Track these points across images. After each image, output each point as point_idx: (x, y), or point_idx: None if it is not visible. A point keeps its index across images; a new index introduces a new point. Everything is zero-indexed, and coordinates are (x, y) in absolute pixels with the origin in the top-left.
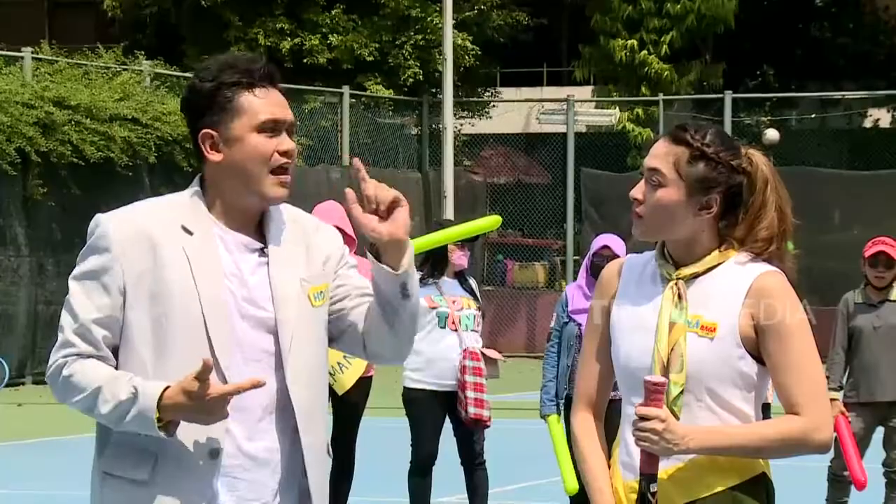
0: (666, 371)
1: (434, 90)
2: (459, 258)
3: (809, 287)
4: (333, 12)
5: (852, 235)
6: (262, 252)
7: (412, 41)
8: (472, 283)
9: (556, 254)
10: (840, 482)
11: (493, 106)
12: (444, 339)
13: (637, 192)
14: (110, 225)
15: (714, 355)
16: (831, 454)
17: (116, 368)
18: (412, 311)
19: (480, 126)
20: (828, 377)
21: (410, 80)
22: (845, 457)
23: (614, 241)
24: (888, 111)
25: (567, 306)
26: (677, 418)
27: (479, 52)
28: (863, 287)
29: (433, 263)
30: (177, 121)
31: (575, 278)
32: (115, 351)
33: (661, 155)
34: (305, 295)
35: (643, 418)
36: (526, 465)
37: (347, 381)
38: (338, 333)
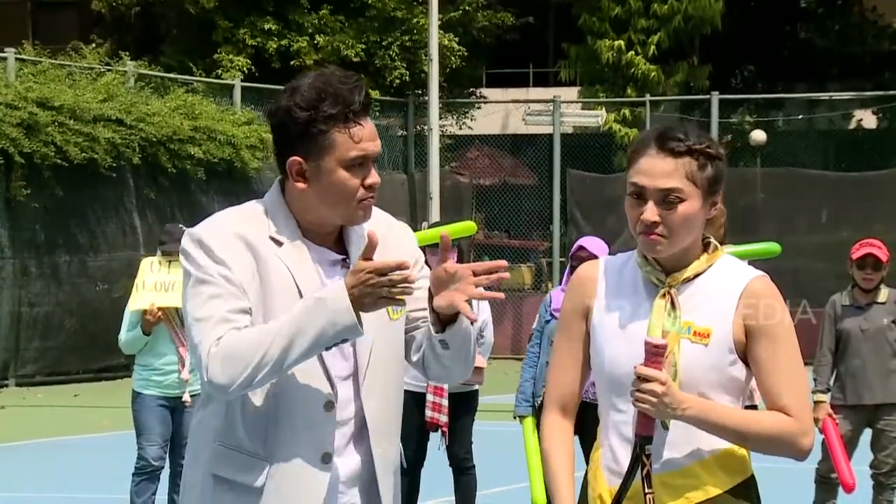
0: None
1: (420, 91)
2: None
3: (796, 288)
4: (321, 13)
5: (840, 237)
6: (344, 263)
7: (398, 42)
8: None
9: (542, 255)
10: (828, 484)
11: (479, 107)
12: None
13: (652, 214)
14: (207, 236)
15: (707, 361)
16: (818, 456)
17: None
18: (454, 356)
19: (466, 127)
20: (815, 379)
21: (397, 81)
22: (833, 459)
23: (590, 242)
24: (875, 112)
25: (550, 306)
26: (666, 428)
27: (465, 53)
28: (850, 289)
29: None
30: (161, 121)
31: (561, 280)
32: None
33: (668, 172)
34: (384, 308)
35: (644, 379)
36: (512, 468)
37: None
38: (409, 350)
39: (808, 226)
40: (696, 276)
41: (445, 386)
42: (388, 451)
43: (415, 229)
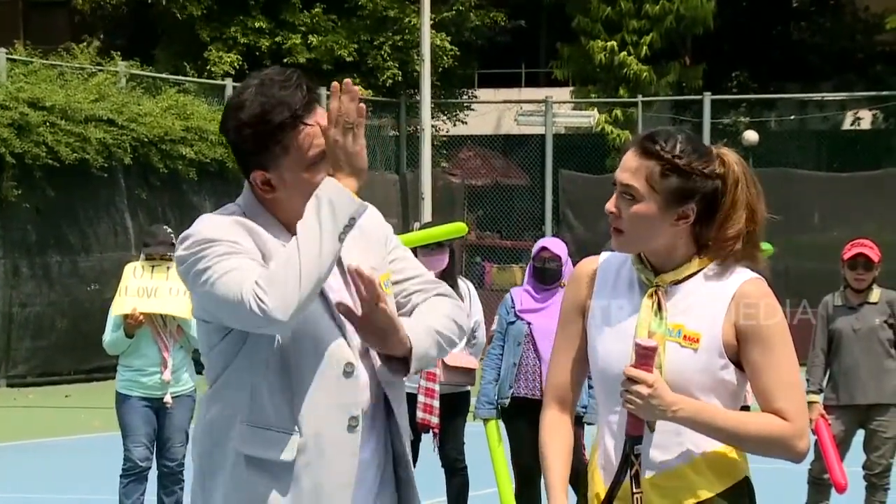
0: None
1: (412, 91)
2: (429, 262)
3: (788, 288)
4: (313, 12)
5: (831, 237)
6: None
7: (390, 42)
8: (465, 286)
9: None
10: (820, 485)
11: (471, 107)
12: None
13: (611, 205)
14: (206, 229)
15: (698, 366)
16: (811, 457)
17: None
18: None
19: (458, 127)
20: (808, 380)
21: (389, 81)
22: (826, 460)
23: (552, 243)
24: (871, 109)
25: (513, 307)
26: (651, 430)
27: (458, 53)
28: (842, 289)
29: None
30: (152, 122)
31: (524, 279)
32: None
33: (633, 170)
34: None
35: (632, 381)
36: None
37: None
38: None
39: (800, 226)
40: (687, 278)
41: (436, 388)
42: (406, 436)
43: (406, 230)
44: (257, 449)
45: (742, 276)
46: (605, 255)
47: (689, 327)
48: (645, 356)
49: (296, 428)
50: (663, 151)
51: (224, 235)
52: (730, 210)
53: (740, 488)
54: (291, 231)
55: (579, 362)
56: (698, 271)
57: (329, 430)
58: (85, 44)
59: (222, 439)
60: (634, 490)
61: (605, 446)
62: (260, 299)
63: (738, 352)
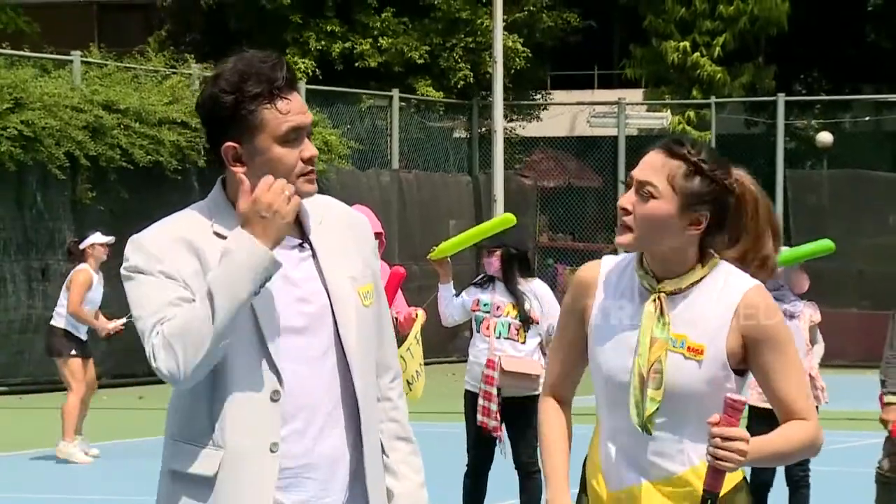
0: (643, 385)
1: (484, 93)
2: (486, 264)
3: (862, 290)
4: (384, 15)
5: None
6: (302, 246)
7: (462, 44)
8: (535, 288)
9: None
10: (890, 484)
11: (544, 109)
12: (478, 344)
13: (626, 201)
14: (144, 240)
15: (702, 377)
16: (879, 454)
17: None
18: None
19: (531, 129)
20: (883, 381)
21: (461, 82)
22: None
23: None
24: None
25: None
26: (650, 433)
27: (530, 55)
28: None
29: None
30: None
31: None
32: None
33: (657, 167)
34: (356, 293)
35: (726, 438)
36: (578, 472)
37: (420, 389)
38: None
39: (875, 228)
40: (691, 286)
41: (493, 391)
42: (376, 439)
43: None
44: (184, 464)
45: (743, 284)
46: (607, 259)
47: (693, 339)
48: (734, 408)
49: (222, 443)
50: (690, 154)
51: (158, 253)
52: (757, 232)
53: (739, 489)
54: None
55: (574, 364)
56: (700, 280)
57: (250, 451)
58: (153, 38)
59: (162, 452)
60: None
61: (607, 450)
62: (156, 358)
63: (745, 358)
